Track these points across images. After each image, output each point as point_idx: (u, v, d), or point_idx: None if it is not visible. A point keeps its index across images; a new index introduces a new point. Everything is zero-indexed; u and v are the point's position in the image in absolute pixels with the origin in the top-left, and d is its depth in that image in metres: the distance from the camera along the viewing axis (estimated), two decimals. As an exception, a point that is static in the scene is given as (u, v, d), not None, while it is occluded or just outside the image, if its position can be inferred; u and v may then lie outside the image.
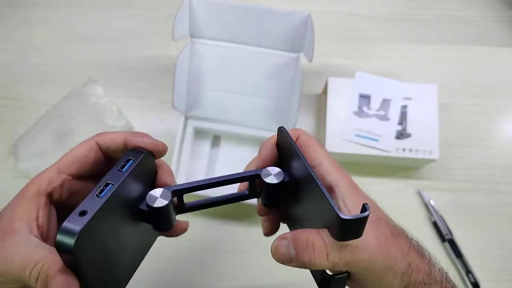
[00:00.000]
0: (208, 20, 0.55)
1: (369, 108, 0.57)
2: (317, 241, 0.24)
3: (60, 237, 0.20)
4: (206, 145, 0.60)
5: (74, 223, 0.21)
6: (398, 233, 0.27)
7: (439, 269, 0.29)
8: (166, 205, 0.26)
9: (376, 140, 0.55)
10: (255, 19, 0.54)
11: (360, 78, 0.58)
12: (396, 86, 0.58)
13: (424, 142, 0.55)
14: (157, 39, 0.67)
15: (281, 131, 0.29)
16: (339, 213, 0.22)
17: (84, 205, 0.22)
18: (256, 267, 0.53)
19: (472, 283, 0.52)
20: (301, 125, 0.60)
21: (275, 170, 0.29)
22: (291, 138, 0.28)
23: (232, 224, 0.56)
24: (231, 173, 0.29)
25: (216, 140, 0.61)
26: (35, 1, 0.71)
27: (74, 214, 0.21)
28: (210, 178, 0.29)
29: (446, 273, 0.30)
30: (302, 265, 0.25)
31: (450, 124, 0.62)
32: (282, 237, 0.26)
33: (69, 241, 0.20)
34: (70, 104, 0.61)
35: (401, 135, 0.56)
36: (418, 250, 0.28)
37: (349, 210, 0.26)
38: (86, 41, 0.68)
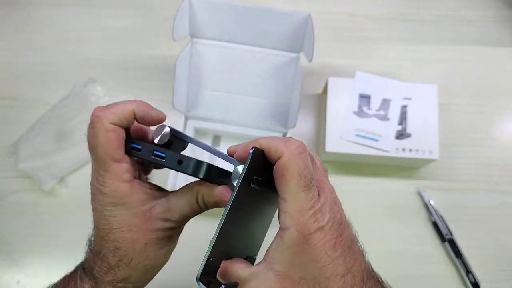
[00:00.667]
0: (208, 20, 0.55)
1: (369, 108, 0.57)
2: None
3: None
4: (206, 145, 0.60)
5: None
6: None
7: None
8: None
9: (376, 140, 0.55)
10: (255, 19, 0.54)
11: (360, 78, 0.58)
12: (396, 86, 0.58)
13: (424, 142, 0.55)
14: (157, 39, 0.67)
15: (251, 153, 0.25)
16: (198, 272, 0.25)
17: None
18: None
19: (472, 283, 0.52)
20: (301, 125, 0.60)
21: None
22: (249, 159, 0.25)
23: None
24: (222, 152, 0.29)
25: (216, 140, 0.61)
26: (35, 1, 0.71)
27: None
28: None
29: None
30: None
31: (450, 124, 0.62)
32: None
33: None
34: (70, 104, 0.61)
35: (401, 135, 0.56)
36: None
37: (272, 262, 0.24)
38: (86, 41, 0.68)
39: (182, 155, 0.28)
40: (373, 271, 0.27)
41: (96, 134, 0.27)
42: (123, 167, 0.28)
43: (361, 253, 0.26)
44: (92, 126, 0.28)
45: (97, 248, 0.29)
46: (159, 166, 0.33)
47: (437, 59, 0.67)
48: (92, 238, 0.30)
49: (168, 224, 0.30)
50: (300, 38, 0.54)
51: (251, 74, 0.57)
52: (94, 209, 0.29)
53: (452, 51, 0.68)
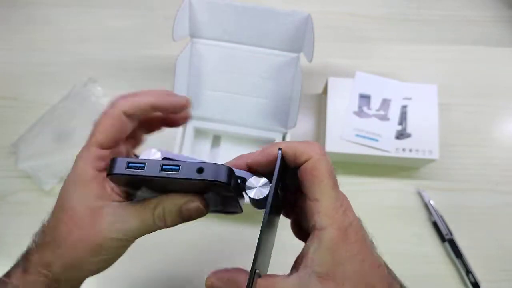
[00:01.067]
0: (208, 20, 0.55)
1: (369, 108, 0.57)
2: None
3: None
4: (206, 145, 0.60)
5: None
6: None
7: None
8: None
9: (376, 140, 0.55)
10: (255, 19, 0.54)
11: (360, 78, 0.58)
12: (396, 86, 0.58)
13: (424, 142, 0.55)
14: (157, 39, 0.67)
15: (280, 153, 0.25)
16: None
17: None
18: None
19: (472, 283, 0.52)
20: (301, 125, 0.60)
21: (261, 181, 0.26)
22: (279, 160, 0.25)
23: (231, 224, 0.56)
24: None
25: (216, 140, 0.61)
26: (35, 1, 0.71)
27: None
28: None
29: None
30: None
31: (450, 124, 0.62)
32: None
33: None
34: (70, 104, 0.61)
35: (401, 135, 0.56)
36: None
37: (312, 265, 0.23)
38: (86, 41, 0.68)
39: (198, 161, 0.25)
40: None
41: (103, 118, 0.28)
42: (102, 154, 0.28)
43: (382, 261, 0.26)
44: (104, 112, 0.29)
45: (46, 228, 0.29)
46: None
47: (437, 59, 0.67)
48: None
49: (115, 235, 0.27)
50: (300, 38, 0.54)
51: (251, 74, 0.57)
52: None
53: (452, 51, 0.68)
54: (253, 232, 0.57)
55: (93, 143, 0.28)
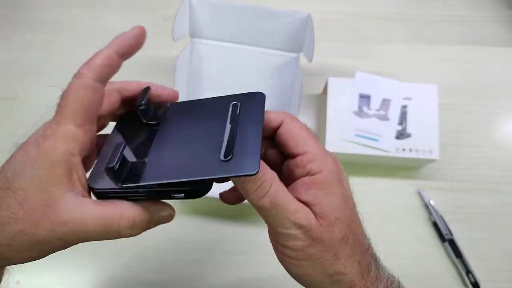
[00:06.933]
0: (208, 20, 0.55)
1: (369, 108, 0.57)
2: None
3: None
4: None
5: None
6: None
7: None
8: None
9: (376, 140, 0.55)
10: (255, 19, 0.54)
11: (360, 78, 0.58)
12: (396, 86, 0.58)
13: (424, 142, 0.55)
14: (157, 39, 0.67)
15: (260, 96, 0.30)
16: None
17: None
18: (254, 267, 0.53)
19: (472, 283, 0.52)
20: (301, 125, 0.60)
21: None
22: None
23: (230, 224, 0.56)
24: None
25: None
26: (35, 1, 0.71)
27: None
28: None
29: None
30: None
31: (450, 124, 0.62)
32: None
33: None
34: (70, 104, 0.61)
35: (401, 135, 0.56)
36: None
37: (310, 200, 0.26)
38: (86, 41, 0.68)
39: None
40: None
41: (72, 89, 0.24)
42: (76, 134, 0.24)
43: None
44: (71, 83, 0.25)
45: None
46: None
47: (437, 59, 0.67)
48: None
49: (66, 236, 0.23)
50: (300, 38, 0.54)
51: (251, 74, 0.57)
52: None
53: (452, 51, 0.68)
54: (252, 233, 0.57)
55: (66, 119, 0.23)
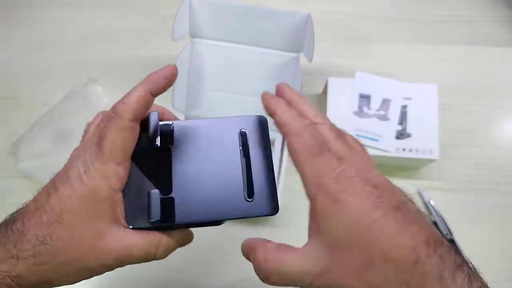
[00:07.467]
0: (208, 20, 0.55)
1: (369, 108, 0.57)
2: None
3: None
4: (206, 145, 0.60)
5: None
6: None
7: None
8: None
9: (376, 140, 0.55)
10: (255, 19, 0.54)
11: (360, 78, 0.58)
12: (396, 86, 0.58)
13: (424, 142, 0.55)
14: (157, 39, 0.67)
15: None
16: None
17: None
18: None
19: (472, 283, 0.52)
20: (301, 125, 0.60)
21: None
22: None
23: (230, 224, 0.56)
24: None
25: (216, 140, 0.61)
26: (35, 1, 0.71)
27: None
28: None
29: None
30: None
31: (450, 124, 0.62)
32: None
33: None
34: (70, 104, 0.61)
35: (401, 135, 0.56)
36: None
37: (317, 235, 0.24)
38: (86, 41, 0.68)
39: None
40: (448, 242, 0.24)
41: (110, 129, 0.26)
42: (118, 171, 0.26)
43: (421, 218, 0.24)
44: (108, 122, 0.26)
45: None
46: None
47: (437, 59, 0.67)
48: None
49: (111, 262, 0.26)
50: (300, 38, 0.54)
51: (251, 74, 0.57)
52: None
53: (452, 51, 0.68)
54: (252, 233, 0.57)
55: (108, 158, 0.26)
